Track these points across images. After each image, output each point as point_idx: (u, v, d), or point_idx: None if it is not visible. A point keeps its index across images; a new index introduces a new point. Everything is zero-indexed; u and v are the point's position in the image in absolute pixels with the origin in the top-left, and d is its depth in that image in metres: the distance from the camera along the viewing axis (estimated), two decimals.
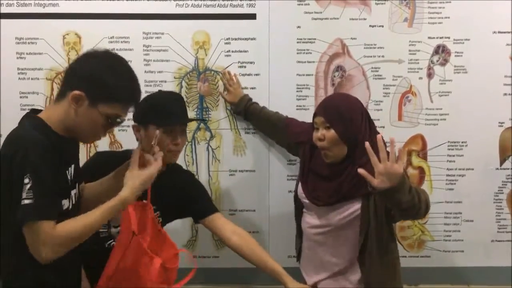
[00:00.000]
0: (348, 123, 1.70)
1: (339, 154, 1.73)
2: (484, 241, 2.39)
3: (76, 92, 1.31)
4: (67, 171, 1.38)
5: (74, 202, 1.42)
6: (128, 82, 1.38)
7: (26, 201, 1.20)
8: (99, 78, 1.32)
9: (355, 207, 1.73)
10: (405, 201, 1.48)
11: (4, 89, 2.22)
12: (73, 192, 1.42)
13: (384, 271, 1.76)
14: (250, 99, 2.23)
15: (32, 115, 1.38)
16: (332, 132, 1.70)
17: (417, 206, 1.52)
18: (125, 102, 1.38)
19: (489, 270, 2.40)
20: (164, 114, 1.72)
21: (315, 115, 1.78)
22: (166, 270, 1.55)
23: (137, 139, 1.72)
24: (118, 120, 1.39)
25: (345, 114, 1.71)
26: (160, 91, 1.90)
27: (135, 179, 1.39)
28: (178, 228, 2.31)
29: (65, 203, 1.36)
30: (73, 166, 1.44)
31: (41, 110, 1.41)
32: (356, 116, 1.72)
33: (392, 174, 1.44)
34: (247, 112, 2.22)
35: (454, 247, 2.40)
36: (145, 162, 1.46)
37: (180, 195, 1.84)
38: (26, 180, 1.21)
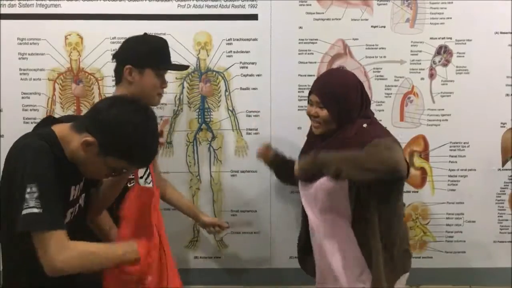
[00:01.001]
0: (341, 103, 1.68)
1: (328, 130, 1.73)
2: (486, 242, 2.39)
3: (89, 139, 1.25)
4: (72, 187, 1.36)
5: (70, 219, 1.38)
6: (147, 146, 1.31)
7: (35, 210, 1.17)
8: (117, 133, 1.25)
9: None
10: (334, 169, 1.54)
11: (6, 89, 2.23)
12: (69, 210, 1.39)
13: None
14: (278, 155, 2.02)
15: (46, 127, 1.33)
16: (325, 112, 1.69)
17: (355, 163, 1.53)
18: (136, 165, 1.37)
19: (491, 271, 2.39)
20: (164, 58, 1.80)
21: (310, 92, 1.77)
22: None
23: (127, 82, 1.74)
24: (124, 174, 1.38)
25: (340, 94, 1.68)
26: (146, 34, 1.88)
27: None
28: (180, 229, 2.31)
29: (67, 217, 1.34)
30: (81, 183, 1.42)
31: (57, 119, 1.39)
32: (351, 94, 1.70)
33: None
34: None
35: (456, 248, 2.40)
36: None
37: None
38: (33, 189, 1.17)
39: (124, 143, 1.26)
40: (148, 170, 1.81)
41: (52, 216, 1.20)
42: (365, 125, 1.67)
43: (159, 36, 1.92)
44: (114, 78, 1.81)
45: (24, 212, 1.17)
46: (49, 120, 1.39)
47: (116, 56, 1.80)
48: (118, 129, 1.25)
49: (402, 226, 1.78)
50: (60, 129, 1.32)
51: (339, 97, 1.68)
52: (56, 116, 2.01)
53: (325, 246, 1.74)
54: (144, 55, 1.75)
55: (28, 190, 1.17)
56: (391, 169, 1.50)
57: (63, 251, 1.19)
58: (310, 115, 1.76)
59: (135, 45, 1.79)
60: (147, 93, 1.75)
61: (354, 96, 1.70)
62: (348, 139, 1.65)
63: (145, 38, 1.85)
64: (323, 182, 1.68)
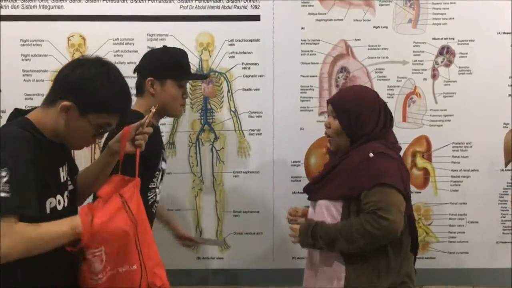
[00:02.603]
0: (353, 116, 1.69)
1: (342, 145, 1.74)
2: (489, 242, 2.38)
3: (66, 103, 1.29)
4: (60, 169, 1.37)
5: (68, 201, 1.39)
6: (118, 92, 1.35)
7: (2, 194, 1.16)
8: (88, 89, 1.30)
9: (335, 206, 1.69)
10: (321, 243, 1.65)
11: (9, 90, 2.23)
12: (67, 191, 1.40)
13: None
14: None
15: (21, 117, 1.34)
16: (336, 122, 1.72)
17: (349, 243, 1.59)
18: (115, 112, 1.36)
19: (494, 271, 2.39)
20: (184, 69, 1.87)
21: (328, 102, 1.81)
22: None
23: (149, 94, 1.79)
24: (108, 128, 1.38)
25: (352, 107, 1.69)
26: (166, 46, 1.93)
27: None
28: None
29: (53, 202, 1.32)
30: (66, 163, 1.43)
31: (25, 110, 1.40)
32: (365, 109, 1.70)
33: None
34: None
35: (459, 248, 2.39)
36: (138, 135, 1.42)
37: None
38: (3, 173, 1.17)
39: (98, 96, 1.30)
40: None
41: (21, 200, 1.19)
42: (371, 155, 1.63)
43: (179, 48, 1.97)
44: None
45: None
46: (19, 113, 1.39)
47: (138, 69, 1.85)
48: (89, 85, 1.30)
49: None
50: (33, 115, 1.35)
51: (351, 108, 1.69)
52: None
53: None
54: (164, 67, 1.81)
55: (2, 174, 1.17)
56: (384, 239, 1.58)
57: (7, 236, 1.17)
58: (325, 125, 1.79)
59: (155, 57, 1.86)
60: (170, 104, 1.82)
61: (368, 111, 1.69)
62: (351, 170, 1.64)
63: (165, 50, 1.90)
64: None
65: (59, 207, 1.35)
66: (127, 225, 1.30)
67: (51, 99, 1.33)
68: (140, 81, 1.83)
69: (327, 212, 1.69)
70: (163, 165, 1.86)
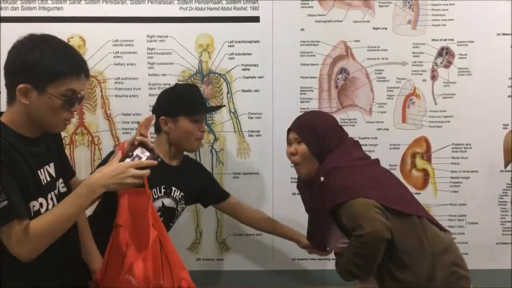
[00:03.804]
0: (320, 138, 1.70)
1: (311, 170, 1.71)
2: (489, 243, 2.38)
3: (20, 86, 1.26)
4: (39, 171, 1.34)
5: (55, 201, 1.38)
6: (62, 54, 1.31)
7: None
8: (32, 63, 1.26)
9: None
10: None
11: None
12: (52, 192, 1.38)
13: None
14: None
15: None
16: (303, 146, 1.71)
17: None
18: (70, 74, 1.30)
19: (494, 272, 2.39)
20: (194, 104, 1.88)
21: (288, 132, 1.81)
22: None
23: (164, 132, 1.86)
24: (78, 95, 1.33)
25: (318, 129, 1.71)
26: (177, 84, 1.99)
27: (110, 166, 1.34)
28: (182, 231, 2.31)
29: (36, 205, 1.32)
30: (52, 164, 1.41)
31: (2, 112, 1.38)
32: (328, 132, 1.72)
33: None
34: None
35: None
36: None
37: (201, 180, 2.04)
38: None
39: (44, 65, 1.27)
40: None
41: (6, 209, 1.20)
42: (322, 179, 1.62)
43: (190, 84, 2.03)
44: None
45: None
46: None
47: (154, 110, 1.91)
48: (30, 59, 1.26)
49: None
50: (4, 117, 1.33)
51: (316, 131, 1.71)
52: None
53: None
54: (175, 105, 1.85)
55: None
56: (375, 251, 1.51)
57: (23, 241, 1.21)
58: (289, 154, 1.78)
59: (167, 96, 1.91)
60: (185, 139, 1.86)
61: (331, 134, 1.71)
62: (317, 199, 1.66)
63: (176, 88, 1.96)
64: None
65: (42, 210, 1.33)
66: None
67: (9, 95, 1.32)
68: (156, 121, 1.87)
69: (339, 242, 1.68)
70: (163, 202, 1.86)
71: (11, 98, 1.31)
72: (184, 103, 1.85)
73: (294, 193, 2.31)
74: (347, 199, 1.55)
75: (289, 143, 1.79)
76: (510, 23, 2.26)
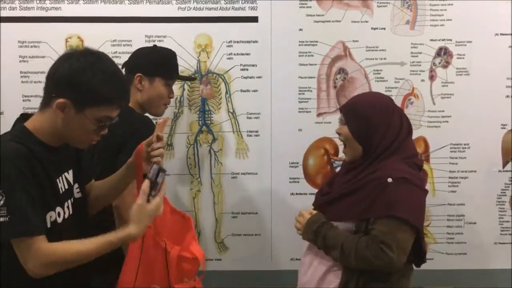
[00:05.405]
0: (362, 121, 1.58)
1: (355, 154, 1.62)
2: (487, 243, 2.39)
3: (60, 100, 1.23)
4: (58, 180, 1.32)
5: (71, 211, 1.36)
6: (110, 80, 1.28)
7: (1, 219, 1.15)
8: (80, 81, 1.24)
9: (346, 226, 1.59)
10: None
11: (7, 92, 2.23)
12: (69, 200, 1.36)
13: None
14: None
15: (18, 124, 1.32)
16: (345, 128, 1.62)
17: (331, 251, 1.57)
18: (112, 102, 1.29)
19: (492, 272, 2.39)
20: (173, 68, 1.89)
21: (340, 110, 1.72)
22: (186, 261, 1.48)
23: (137, 90, 1.81)
24: (109, 121, 1.32)
25: (361, 111, 1.59)
26: (156, 45, 1.95)
27: (143, 215, 1.30)
28: None
29: (53, 215, 1.29)
30: (70, 171, 1.39)
31: (31, 115, 1.36)
32: (375, 114, 1.58)
33: None
34: None
35: (457, 249, 2.40)
36: (151, 157, 1.39)
37: None
38: None
39: (91, 88, 1.24)
40: None
41: (19, 222, 1.17)
42: (390, 180, 1.50)
43: (168, 48, 1.98)
44: None
45: None
46: (23, 118, 1.36)
47: (127, 64, 1.85)
48: (79, 78, 1.24)
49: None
50: (31, 122, 1.31)
51: (359, 113, 1.59)
52: None
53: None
54: (155, 64, 1.83)
55: None
56: (379, 270, 1.51)
57: (34, 258, 1.19)
58: (337, 134, 1.69)
59: (146, 54, 1.87)
60: (154, 102, 1.84)
61: (378, 117, 1.58)
62: (366, 192, 1.53)
63: (155, 49, 1.93)
64: None
65: (59, 220, 1.32)
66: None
67: (45, 100, 1.29)
68: (127, 77, 1.80)
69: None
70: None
71: (45, 104, 1.29)
72: (165, 65, 1.85)
73: (292, 193, 2.32)
74: (406, 220, 1.48)
75: (340, 123, 1.68)
76: (508, 23, 2.26)
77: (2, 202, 1.16)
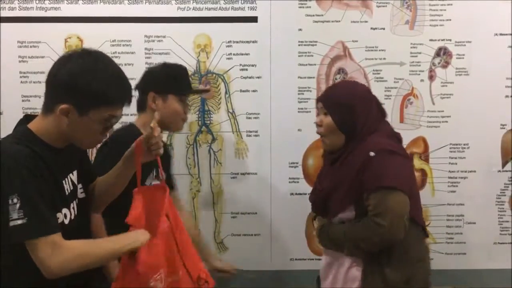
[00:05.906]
0: (345, 110, 1.61)
1: (336, 143, 1.65)
2: (487, 243, 2.39)
3: (63, 106, 1.22)
4: (64, 181, 1.32)
5: (76, 212, 1.35)
6: (112, 79, 1.26)
7: (19, 222, 1.15)
8: (81, 84, 1.21)
9: (346, 215, 1.63)
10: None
11: (6, 92, 2.23)
12: (74, 201, 1.35)
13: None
14: None
15: (21, 126, 1.30)
16: (329, 118, 1.64)
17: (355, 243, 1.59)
18: (115, 102, 1.27)
19: (492, 272, 2.39)
20: (185, 84, 1.87)
21: (317, 101, 1.75)
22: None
23: (150, 110, 1.79)
24: (115, 120, 1.30)
25: (344, 101, 1.63)
26: (166, 62, 1.95)
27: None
28: None
29: (60, 217, 1.28)
30: (75, 172, 1.39)
31: (35, 116, 1.34)
32: (356, 103, 1.62)
33: None
34: None
35: (457, 249, 2.40)
36: (151, 146, 1.39)
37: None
38: (15, 200, 1.15)
39: (93, 90, 1.22)
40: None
41: (38, 223, 1.17)
42: (372, 154, 1.55)
43: (178, 63, 1.97)
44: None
45: (10, 224, 1.15)
46: (26, 119, 1.35)
47: (138, 86, 1.84)
48: (80, 81, 1.21)
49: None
50: (34, 124, 1.30)
51: (343, 103, 1.63)
52: None
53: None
54: (166, 82, 1.81)
55: (10, 201, 1.15)
56: (382, 245, 1.55)
57: (56, 255, 1.18)
58: (316, 124, 1.71)
59: (156, 73, 1.86)
60: (171, 119, 1.82)
61: (361, 105, 1.63)
62: (354, 173, 1.57)
63: (165, 66, 1.91)
64: None
65: (66, 221, 1.31)
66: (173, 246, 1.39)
67: (48, 105, 1.28)
68: (141, 98, 1.82)
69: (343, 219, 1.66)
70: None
71: (48, 109, 1.27)
72: (177, 82, 1.83)
73: (292, 193, 2.32)
74: (393, 186, 1.52)
75: (317, 113, 1.73)
76: (507, 23, 2.26)
77: (18, 205, 1.15)
